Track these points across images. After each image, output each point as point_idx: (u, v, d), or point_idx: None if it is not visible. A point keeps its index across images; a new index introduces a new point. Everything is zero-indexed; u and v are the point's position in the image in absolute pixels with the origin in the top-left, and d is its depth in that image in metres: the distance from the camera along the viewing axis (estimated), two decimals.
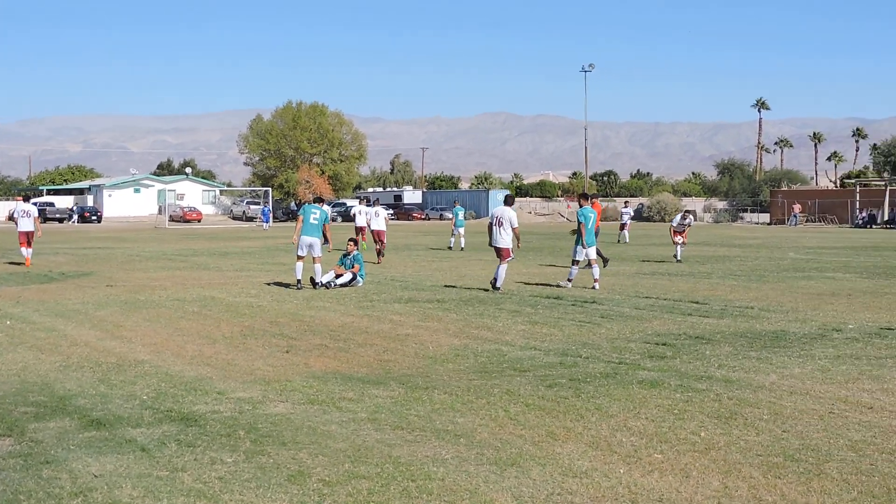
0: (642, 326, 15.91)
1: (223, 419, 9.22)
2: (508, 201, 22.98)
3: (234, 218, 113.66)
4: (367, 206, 38.65)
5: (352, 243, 24.05)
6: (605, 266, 27.91)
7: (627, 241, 49.68)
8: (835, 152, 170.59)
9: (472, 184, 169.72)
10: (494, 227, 22.11)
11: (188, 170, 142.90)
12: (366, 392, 10.47)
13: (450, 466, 7.63)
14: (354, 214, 37.99)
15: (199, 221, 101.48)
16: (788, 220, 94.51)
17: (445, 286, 23.23)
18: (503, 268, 21.90)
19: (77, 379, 11.30)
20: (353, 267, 23.27)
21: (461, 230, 42.02)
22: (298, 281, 22.55)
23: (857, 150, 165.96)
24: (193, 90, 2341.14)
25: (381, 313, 17.86)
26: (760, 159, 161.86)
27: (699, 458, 7.90)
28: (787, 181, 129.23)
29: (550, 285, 23.20)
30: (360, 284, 23.08)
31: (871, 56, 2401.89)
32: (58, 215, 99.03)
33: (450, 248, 41.76)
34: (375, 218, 34.89)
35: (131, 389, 10.64)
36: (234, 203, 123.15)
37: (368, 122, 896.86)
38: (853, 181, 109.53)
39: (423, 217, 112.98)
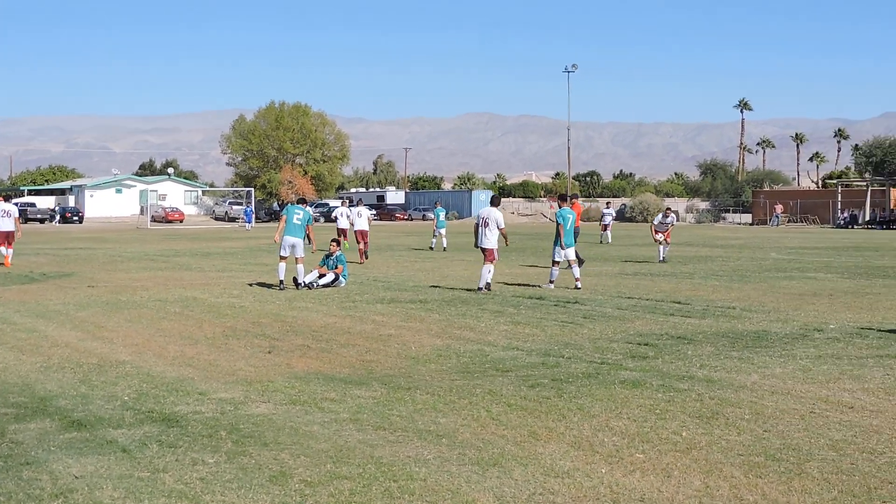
0: (624, 327, 15.94)
1: (205, 420, 9.20)
2: (494, 202, 23.03)
3: (217, 218, 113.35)
4: (351, 206, 38.60)
5: (334, 244, 24.02)
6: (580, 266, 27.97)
7: (610, 241, 49.80)
8: (817, 153, 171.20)
9: (455, 184, 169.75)
10: (480, 228, 22.12)
11: (170, 170, 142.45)
12: (348, 392, 10.46)
13: (432, 467, 7.63)
14: (336, 217, 37.90)
15: (181, 222, 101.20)
16: (770, 220, 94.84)
17: (431, 286, 23.22)
18: (487, 268, 21.90)
19: (58, 380, 11.25)
20: (336, 267, 23.24)
21: (443, 231, 42.11)
22: (281, 281, 22.51)
23: (838, 151, 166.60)
24: (176, 90, 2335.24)
25: (364, 314, 17.84)
26: (743, 160, 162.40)
27: (681, 457, 7.91)
28: (769, 181, 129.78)
29: (533, 286, 23.22)
30: (342, 285, 23.06)
31: (853, 57, 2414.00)
32: (39, 216, 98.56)
33: (431, 248, 41.84)
34: (358, 218, 34.84)
35: (112, 390, 10.61)
36: (216, 203, 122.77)
37: (351, 123, 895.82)
38: (835, 182, 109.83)
39: (405, 217, 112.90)
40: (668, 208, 36.57)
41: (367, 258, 33.06)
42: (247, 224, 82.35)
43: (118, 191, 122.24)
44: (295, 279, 22.53)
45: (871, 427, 8.91)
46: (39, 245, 46.18)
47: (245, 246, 46.89)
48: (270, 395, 10.33)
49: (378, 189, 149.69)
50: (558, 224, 23.06)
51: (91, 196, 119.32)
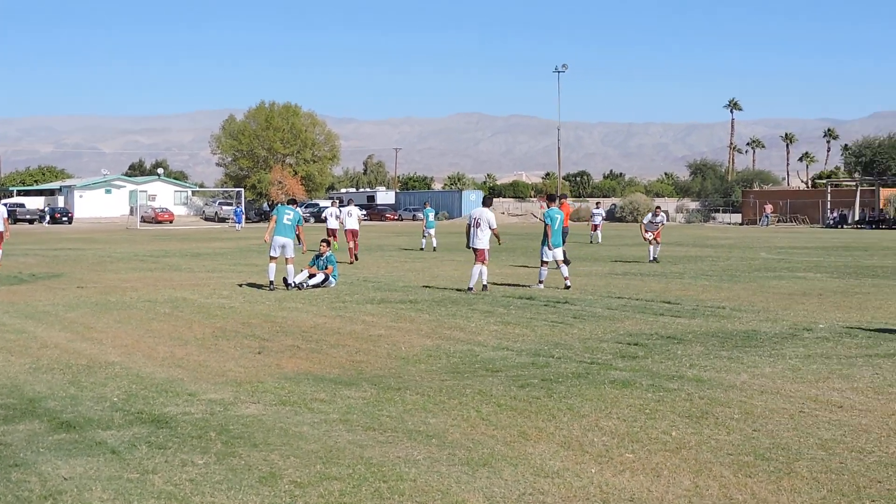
0: (614, 326, 15.95)
1: (194, 421, 9.18)
2: (487, 203, 23.06)
3: (207, 219, 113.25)
4: (341, 206, 38.60)
5: (324, 244, 24.00)
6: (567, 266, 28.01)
7: (600, 241, 49.88)
8: (806, 153, 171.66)
9: (446, 184, 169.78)
10: (472, 229, 22.12)
11: (160, 170, 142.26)
12: (338, 393, 10.45)
13: (422, 467, 7.63)
14: (326, 217, 37.93)
15: (170, 222, 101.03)
16: (760, 220, 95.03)
17: (421, 287, 23.22)
18: (478, 268, 21.91)
19: (47, 381, 11.23)
20: (325, 268, 23.23)
21: (432, 231, 42.23)
22: (271, 282, 22.49)
23: (828, 151, 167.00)
24: (166, 90, 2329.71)
25: (354, 314, 17.84)
26: (732, 160, 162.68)
27: (670, 457, 7.92)
28: (758, 181, 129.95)
29: (523, 286, 23.23)
30: (332, 285, 23.04)
31: (842, 57, 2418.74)
32: (28, 216, 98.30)
33: (422, 249, 41.89)
34: (349, 218, 34.85)
35: (102, 391, 10.59)
36: (206, 204, 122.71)
37: (342, 123, 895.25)
38: (824, 181, 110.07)
39: (396, 218, 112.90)
40: (658, 207, 36.59)
41: (357, 259, 33.06)
42: (237, 224, 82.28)
43: (108, 191, 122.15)
44: (285, 279, 22.51)
45: (861, 426, 8.93)
46: (29, 246, 46.07)
47: (235, 246, 46.83)
48: (260, 396, 10.32)
49: (368, 189, 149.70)
50: (546, 224, 23.08)
51: (80, 196, 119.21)
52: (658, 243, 33.14)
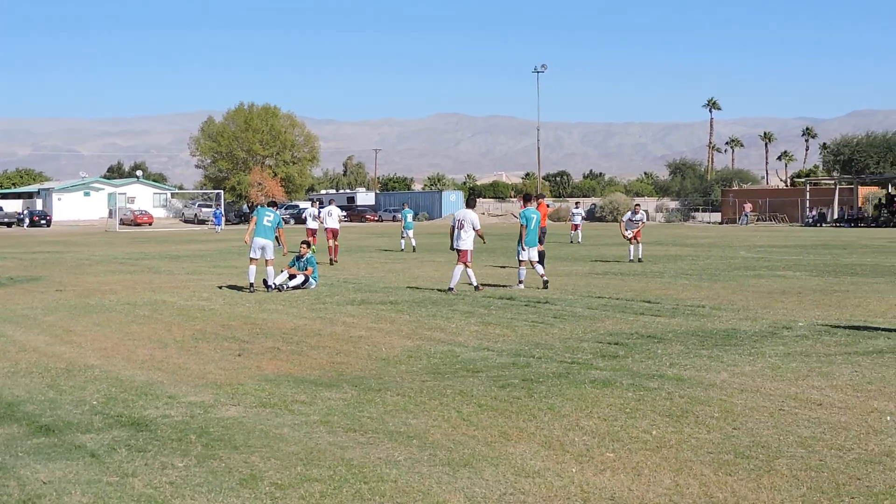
0: (595, 326, 15.97)
1: (174, 423, 9.15)
2: (471, 204, 23.18)
3: (186, 221, 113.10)
4: (321, 206, 38.64)
5: (305, 246, 23.97)
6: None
7: (580, 240, 49.93)
8: (785, 152, 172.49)
9: (426, 185, 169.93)
10: (457, 230, 22.17)
11: (139, 173, 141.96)
12: (318, 394, 10.44)
13: (403, 468, 7.62)
14: (306, 217, 38.02)
15: (150, 225, 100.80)
16: (739, 219, 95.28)
17: (402, 287, 23.21)
18: (459, 269, 21.95)
19: (26, 385, 11.18)
20: (306, 269, 23.19)
21: (410, 232, 42.34)
22: (251, 284, 22.46)
23: (806, 150, 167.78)
24: (144, 92, 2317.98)
25: (334, 315, 17.81)
26: (712, 159, 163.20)
27: (651, 456, 7.94)
28: (738, 180, 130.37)
29: (503, 286, 23.24)
30: (312, 287, 23.01)
31: (820, 56, 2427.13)
32: (6, 219, 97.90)
33: (402, 250, 41.92)
34: (329, 217, 34.91)
35: (81, 395, 10.55)
36: (185, 206, 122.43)
37: (321, 124, 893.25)
38: (803, 180, 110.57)
39: (376, 219, 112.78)
40: (637, 205, 36.64)
41: (336, 261, 33.03)
42: (216, 226, 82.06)
43: (86, 194, 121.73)
44: (265, 281, 22.47)
45: (840, 424, 8.97)
46: (7, 249, 45.90)
47: (214, 248, 46.72)
48: (240, 398, 10.29)
49: (348, 190, 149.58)
50: (522, 225, 23.10)
51: (59, 199, 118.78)
52: (639, 242, 33.12)
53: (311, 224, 37.80)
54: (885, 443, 8.28)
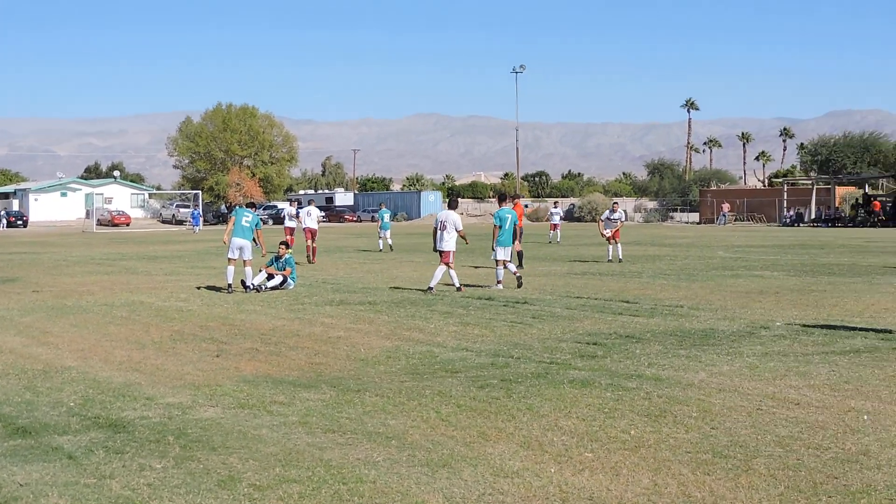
0: (573, 326, 15.99)
1: (152, 425, 9.12)
2: (452, 205, 23.16)
3: (164, 221, 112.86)
4: (300, 207, 38.67)
5: (283, 246, 23.94)
6: (518, 265, 28.18)
7: (559, 240, 50.01)
8: (763, 152, 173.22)
9: (404, 185, 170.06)
10: (439, 231, 22.19)
11: (116, 173, 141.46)
12: (297, 395, 10.42)
13: (381, 469, 7.61)
14: (285, 216, 38.05)
15: (127, 225, 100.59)
16: (717, 219, 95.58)
17: (380, 288, 23.19)
18: (441, 270, 21.98)
19: (2, 387, 11.11)
20: (284, 269, 23.15)
21: (387, 233, 42.39)
22: (229, 285, 22.41)
23: (784, 150, 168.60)
24: (121, 92, 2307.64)
25: (313, 316, 17.79)
26: (690, 159, 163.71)
27: (629, 456, 7.95)
28: (716, 181, 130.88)
29: (482, 286, 23.25)
30: (291, 287, 22.97)
31: (797, 56, 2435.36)
32: None
33: (380, 250, 41.91)
34: (308, 217, 34.95)
35: (58, 396, 10.49)
36: (163, 206, 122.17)
37: (299, 125, 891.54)
38: (781, 180, 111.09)
39: (355, 219, 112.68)
40: (615, 203, 36.71)
41: (314, 261, 32.99)
42: (194, 227, 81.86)
43: (63, 194, 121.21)
44: (243, 282, 22.42)
45: (817, 423, 9.00)
46: None
47: (192, 249, 46.60)
48: (219, 399, 10.26)
49: (327, 191, 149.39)
50: (495, 226, 23.12)
51: (35, 200, 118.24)
52: (618, 243, 33.11)
53: (290, 223, 37.81)
54: (861, 442, 8.31)
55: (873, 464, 7.65)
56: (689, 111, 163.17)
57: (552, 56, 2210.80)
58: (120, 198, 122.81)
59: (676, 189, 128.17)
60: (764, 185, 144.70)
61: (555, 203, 62.58)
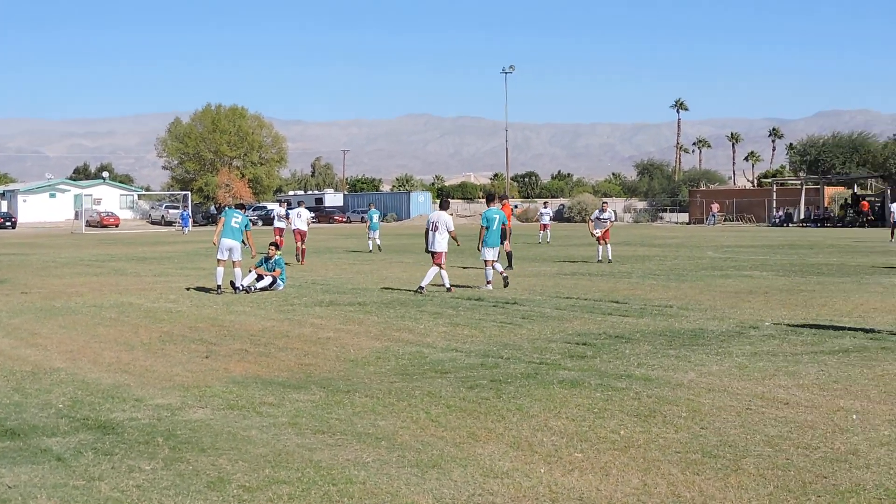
0: (563, 326, 16.00)
1: (141, 426, 9.10)
2: (444, 206, 23.20)
3: (153, 222, 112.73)
4: (289, 207, 38.68)
5: (273, 247, 23.92)
6: (508, 266, 28.23)
7: (549, 240, 50.08)
8: (752, 152, 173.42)
9: (394, 186, 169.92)
10: (430, 233, 22.22)
11: (105, 174, 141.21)
12: (286, 396, 10.41)
13: (371, 469, 7.61)
14: (274, 217, 38.08)
15: (116, 226, 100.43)
16: (707, 219, 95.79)
17: (370, 288, 23.19)
18: (434, 270, 22.01)
19: None
20: (273, 271, 23.13)
21: (375, 234, 42.34)
22: (218, 286, 22.38)
23: (773, 150, 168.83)
24: (110, 93, 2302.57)
25: (302, 317, 17.77)
26: (679, 159, 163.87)
27: (619, 456, 7.95)
28: (705, 181, 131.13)
29: (471, 287, 23.25)
30: (280, 288, 22.95)
31: (786, 57, 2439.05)
32: None
33: (370, 251, 41.88)
34: (298, 219, 34.94)
35: (47, 398, 10.47)
36: (152, 207, 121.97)
37: (289, 125, 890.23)
38: (770, 180, 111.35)
39: (344, 220, 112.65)
40: (605, 202, 36.76)
41: (304, 263, 32.98)
42: (183, 228, 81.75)
43: (52, 195, 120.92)
44: (232, 283, 22.40)
45: (806, 423, 9.02)
46: None
47: (182, 250, 46.54)
48: (208, 401, 10.25)
49: (316, 191, 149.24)
50: (482, 226, 23.16)
51: (24, 201, 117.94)
52: (607, 243, 33.09)
53: (279, 224, 37.82)
54: (851, 441, 8.33)
55: (862, 463, 7.66)
56: (678, 111, 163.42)
57: (542, 57, 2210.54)
58: (109, 199, 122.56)
59: (666, 189, 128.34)
60: (753, 186, 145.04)
61: (544, 203, 62.64)
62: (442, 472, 7.53)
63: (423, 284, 21.88)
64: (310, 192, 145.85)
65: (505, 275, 23.13)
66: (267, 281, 22.77)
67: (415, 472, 7.54)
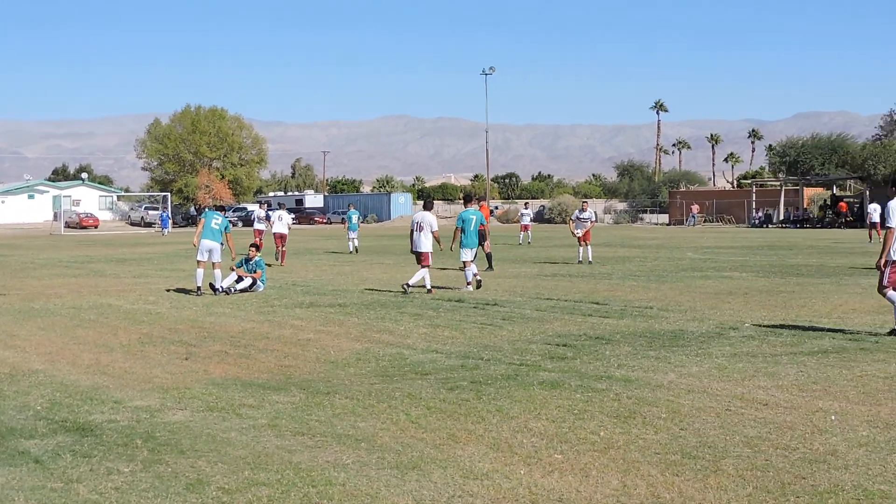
0: (543, 328, 16.01)
1: (120, 428, 9.07)
2: (428, 206, 23.23)
3: (133, 224, 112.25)
4: (270, 209, 38.64)
5: (253, 249, 23.88)
6: (488, 267, 28.28)
7: (530, 241, 50.14)
8: (731, 153, 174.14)
9: (374, 187, 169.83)
10: (415, 233, 22.26)
11: (84, 175, 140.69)
12: (266, 398, 10.38)
13: (351, 471, 7.59)
14: (254, 219, 38.04)
15: (95, 228, 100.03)
16: (687, 220, 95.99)
17: (356, 290, 23.16)
18: (423, 272, 22.07)
19: None
20: (254, 272, 23.08)
21: (354, 234, 42.32)
22: (198, 287, 22.32)
23: (752, 151, 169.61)
24: (89, 94, 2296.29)
25: (282, 318, 17.74)
26: (659, 161, 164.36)
27: (599, 457, 7.96)
28: (685, 182, 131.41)
29: (452, 288, 23.26)
30: (260, 290, 22.91)
31: (765, 59, 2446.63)
32: None
33: (350, 252, 41.84)
34: (279, 222, 34.86)
35: (25, 400, 10.42)
36: (132, 209, 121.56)
37: (269, 126, 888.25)
38: (749, 181, 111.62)
39: (324, 221, 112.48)
40: (585, 202, 36.82)
41: (283, 264, 32.95)
42: (163, 229, 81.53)
43: (30, 196, 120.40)
44: (212, 284, 22.35)
45: (785, 423, 9.04)
46: None
47: (161, 251, 46.40)
48: (187, 403, 10.21)
49: (297, 193, 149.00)
50: (456, 227, 23.20)
51: (2, 202, 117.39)
52: (588, 244, 33.09)
53: (259, 225, 37.75)
54: (829, 442, 8.36)
55: (841, 464, 7.69)
56: (657, 113, 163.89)
57: (522, 58, 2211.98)
58: (88, 200, 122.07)
59: (646, 190, 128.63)
60: (733, 187, 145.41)
61: (525, 204, 62.68)
62: (422, 473, 7.53)
63: (410, 283, 21.97)
64: (290, 194, 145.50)
65: (478, 277, 23.16)
66: (247, 282, 22.73)
67: (395, 473, 7.53)
